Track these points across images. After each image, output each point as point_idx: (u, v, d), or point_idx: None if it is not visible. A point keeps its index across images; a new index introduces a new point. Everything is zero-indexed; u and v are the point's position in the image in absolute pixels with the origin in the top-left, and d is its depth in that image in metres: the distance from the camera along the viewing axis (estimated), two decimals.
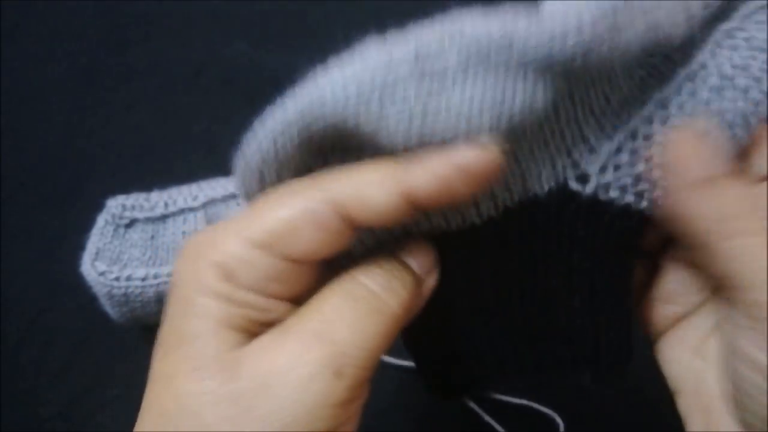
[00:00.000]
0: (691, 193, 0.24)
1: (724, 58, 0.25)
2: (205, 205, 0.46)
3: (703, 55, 0.25)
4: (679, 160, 0.24)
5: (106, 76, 0.62)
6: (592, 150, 0.26)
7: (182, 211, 0.46)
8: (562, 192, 0.26)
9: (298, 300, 0.26)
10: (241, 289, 0.24)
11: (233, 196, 0.47)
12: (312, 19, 0.64)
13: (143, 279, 0.44)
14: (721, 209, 0.23)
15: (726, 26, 0.25)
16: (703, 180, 0.24)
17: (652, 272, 0.28)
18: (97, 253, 0.44)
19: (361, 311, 0.24)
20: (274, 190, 0.26)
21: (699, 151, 0.24)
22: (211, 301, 0.24)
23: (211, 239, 0.25)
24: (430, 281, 0.27)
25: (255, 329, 0.25)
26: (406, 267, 0.26)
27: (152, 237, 0.46)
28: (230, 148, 0.29)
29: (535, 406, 0.47)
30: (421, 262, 0.27)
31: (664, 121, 0.25)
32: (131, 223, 0.45)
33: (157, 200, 0.46)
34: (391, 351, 0.41)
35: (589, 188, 0.26)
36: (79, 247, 0.44)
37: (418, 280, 0.27)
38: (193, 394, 0.23)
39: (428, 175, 0.23)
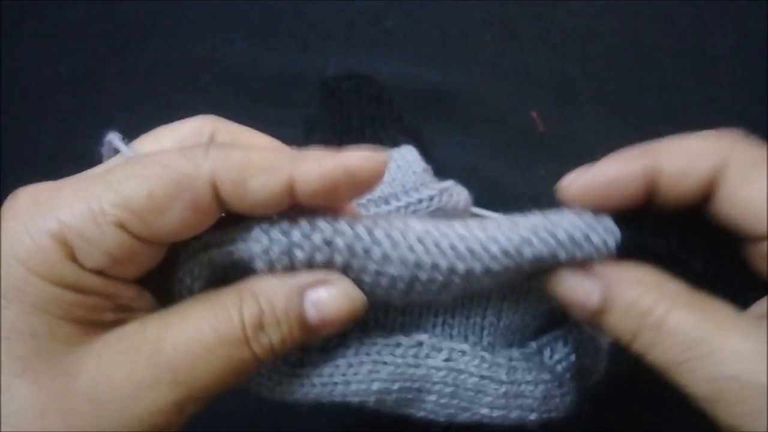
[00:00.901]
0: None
1: None
2: None
3: None
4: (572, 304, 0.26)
5: (106, 76, 0.62)
6: None
7: None
8: None
9: (145, 279, 0.25)
10: (87, 272, 0.22)
11: None
12: (312, 19, 0.64)
13: None
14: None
15: None
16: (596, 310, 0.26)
17: None
18: None
19: (221, 354, 0.23)
20: (138, 158, 0.23)
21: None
22: (54, 289, 0.22)
23: (49, 199, 0.22)
24: (323, 333, 0.26)
25: (98, 318, 0.23)
26: (299, 317, 0.24)
27: None
28: None
29: None
30: (326, 320, 0.25)
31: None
32: None
33: None
34: None
35: None
36: None
37: (305, 333, 0.25)
38: (19, 399, 0.21)
39: (316, 169, 0.23)
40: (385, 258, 0.24)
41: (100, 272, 0.22)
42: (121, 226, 0.22)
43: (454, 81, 0.60)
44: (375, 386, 0.28)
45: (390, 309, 0.29)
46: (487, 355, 0.30)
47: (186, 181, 0.22)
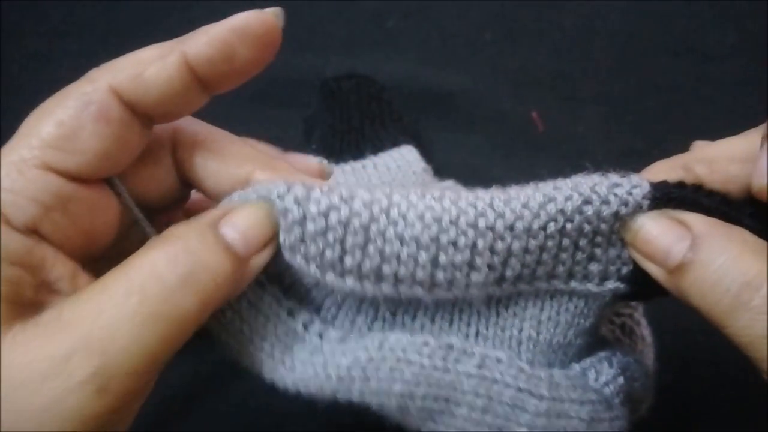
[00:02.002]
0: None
1: None
2: None
3: None
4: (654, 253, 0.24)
5: None
6: None
7: None
8: None
9: (84, 259, 0.23)
10: (15, 233, 0.21)
11: None
12: (312, 19, 0.64)
13: None
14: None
15: None
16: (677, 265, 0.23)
17: None
18: None
19: (145, 315, 0.20)
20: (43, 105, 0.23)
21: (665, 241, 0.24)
22: None
23: None
24: (258, 261, 0.23)
25: (25, 298, 0.21)
26: (222, 245, 0.22)
27: None
28: None
29: None
30: (248, 236, 0.23)
31: None
32: None
33: None
34: None
35: None
36: None
37: (236, 263, 0.22)
38: None
39: (205, 39, 0.23)
40: (405, 229, 0.23)
41: (31, 229, 0.21)
42: (44, 166, 0.21)
43: (454, 81, 0.60)
44: (397, 387, 0.25)
45: (418, 315, 0.27)
46: (526, 366, 0.26)
47: (86, 98, 0.22)
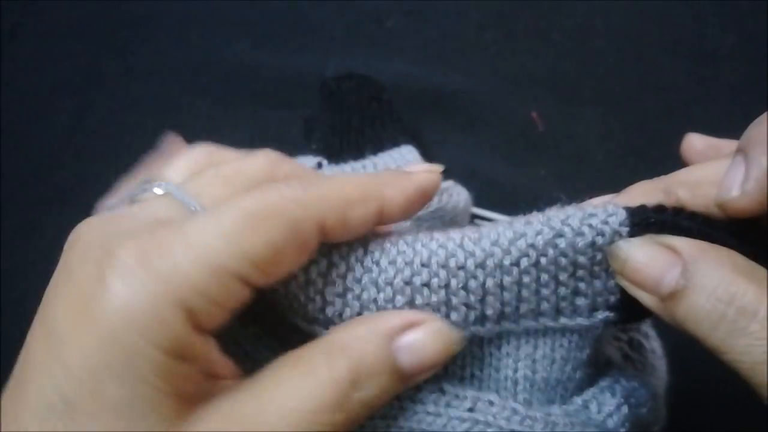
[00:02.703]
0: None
1: None
2: None
3: None
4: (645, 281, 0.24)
5: (106, 76, 0.62)
6: None
7: None
8: None
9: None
10: (200, 336, 0.21)
11: None
12: (312, 19, 0.64)
13: None
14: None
15: None
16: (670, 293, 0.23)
17: None
18: None
19: (317, 422, 0.21)
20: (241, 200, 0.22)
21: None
22: (167, 360, 0.20)
23: (160, 255, 0.20)
24: (418, 380, 0.25)
25: (191, 389, 0.21)
26: (395, 370, 0.23)
27: None
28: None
29: None
30: (422, 362, 0.24)
31: None
32: None
33: None
34: None
35: None
36: None
37: (400, 384, 0.24)
38: None
39: (400, 194, 0.25)
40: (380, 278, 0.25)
41: (212, 334, 0.22)
42: (242, 279, 0.21)
43: (454, 81, 0.60)
44: None
45: None
46: (519, 407, 0.26)
47: (299, 226, 0.22)
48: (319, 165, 0.49)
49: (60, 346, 0.20)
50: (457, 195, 0.45)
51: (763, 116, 0.24)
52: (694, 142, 0.27)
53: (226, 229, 0.21)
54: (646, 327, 0.31)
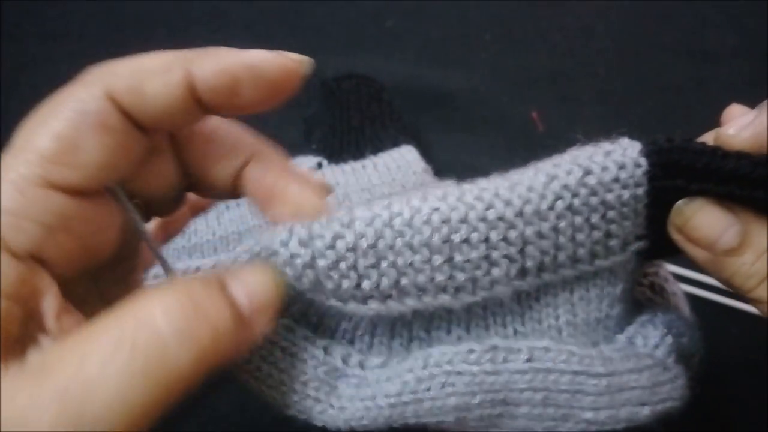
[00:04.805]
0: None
1: None
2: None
3: None
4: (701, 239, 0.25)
5: None
6: None
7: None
8: None
9: (81, 274, 0.21)
10: (14, 261, 0.19)
11: None
12: (312, 19, 0.64)
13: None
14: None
15: None
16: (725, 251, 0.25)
17: None
18: None
19: (133, 371, 0.18)
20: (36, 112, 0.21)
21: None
22: None
23: None
24: (260, 322, 0.21)
25: (12, 334, 0.19)
26: (227, 301, 0.20)
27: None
28: None
29: None
30: (253, 293, 0.21)
31: None
32: None
33: None
34: None
35: None
36: None
37: (239, 321, 0.20)
38: None
39: (214, 66, 0.21)
40: (412, 238, 0.23)
41: (32, 256, 0.20)
42: (46, 183, 0.20)
43: (454, 81, 0.60)
44: (452, 401, 0.25)
45: (452, 328, 0.26)
46: (575, 348, 0.26)
47: (83, 106, 0.21)
48: (319, 165, 0.49)
49: None
50: None
51: None
52: (735, 113, 0.27)
53: (15, 144, 0.21)
54: (664, 272, 0.31)
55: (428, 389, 0.25)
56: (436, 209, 0.23)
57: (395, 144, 0.50)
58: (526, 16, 0.64)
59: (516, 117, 0.58)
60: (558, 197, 0.24)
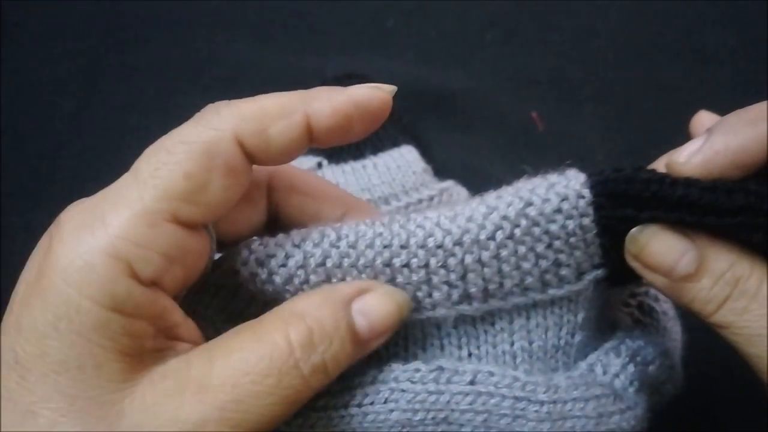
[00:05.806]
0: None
1: None
2: None
3: None
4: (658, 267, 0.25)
5: (106, 76, 0.62)
6: None
7: None
8: None
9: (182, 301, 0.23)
10: (140, 286, 0.21)
11: None
12: (312, 19, 0.64)
13: None
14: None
15: None
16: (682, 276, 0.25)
17: None
18: None
19: (276, 397, 0.21)
20: (154, 147, 0.22)
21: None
22: (104, 314, 0.20)
23: (93, 216, 0.21)
24: (376, 344, 0.25)
25: (141, 347, 0.21)
26: (352, 335, 0.24)
27: None
28: None
29: None
30: (375, 326, 0.24)
31: None
32: None
33: None
34: None
35: None
36: None
37: (358, 350, 0.24)
38: None
39: (328, 106, 0.23)
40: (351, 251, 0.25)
41: (154, 283, 0.21)
42: (173, 218, 0.21)
43: (454, 81, 0.60)
44: (394, 416, 0.26)
45: (409, 346, 0.27)
46: (520, 375, 0.26)
47: (214, 149, 0.22)
48: (319, 165, 0.49)
49: (19, 310, 0.21)
50: (457, 195, 0.45)
51: (748, 108, 0.25)
52: (704, 120, 0.27)
53: (139, 174, 0.22)
54: (655, 291, 0.31)
55: (372, 403, 0.26)
56: (380, 234, 0.25)
57: (395, 144, 0.50)
58: (526, 16, 0.64)
59: (516, 117, 0.58)
60: (498, 228, 0.25)
